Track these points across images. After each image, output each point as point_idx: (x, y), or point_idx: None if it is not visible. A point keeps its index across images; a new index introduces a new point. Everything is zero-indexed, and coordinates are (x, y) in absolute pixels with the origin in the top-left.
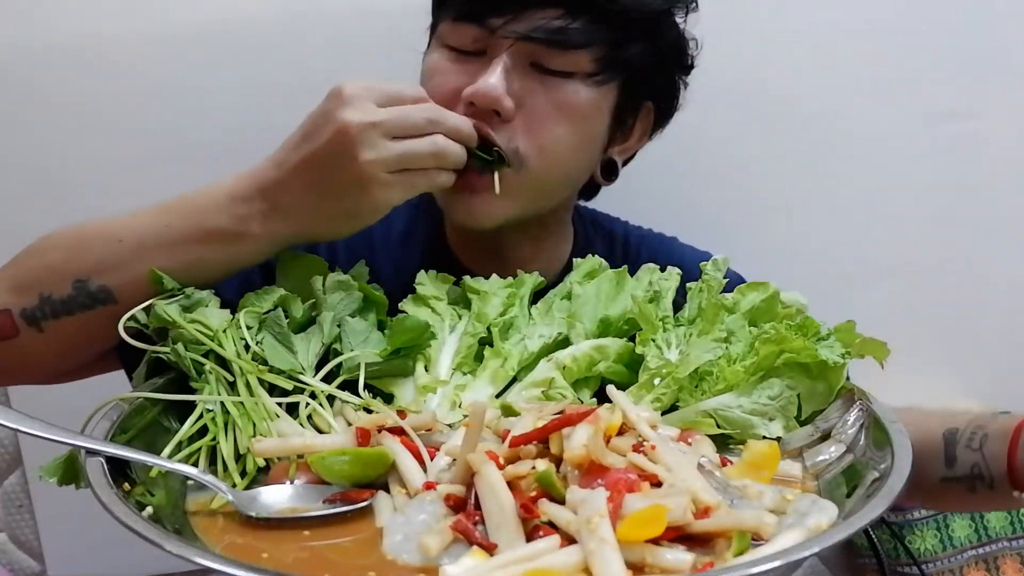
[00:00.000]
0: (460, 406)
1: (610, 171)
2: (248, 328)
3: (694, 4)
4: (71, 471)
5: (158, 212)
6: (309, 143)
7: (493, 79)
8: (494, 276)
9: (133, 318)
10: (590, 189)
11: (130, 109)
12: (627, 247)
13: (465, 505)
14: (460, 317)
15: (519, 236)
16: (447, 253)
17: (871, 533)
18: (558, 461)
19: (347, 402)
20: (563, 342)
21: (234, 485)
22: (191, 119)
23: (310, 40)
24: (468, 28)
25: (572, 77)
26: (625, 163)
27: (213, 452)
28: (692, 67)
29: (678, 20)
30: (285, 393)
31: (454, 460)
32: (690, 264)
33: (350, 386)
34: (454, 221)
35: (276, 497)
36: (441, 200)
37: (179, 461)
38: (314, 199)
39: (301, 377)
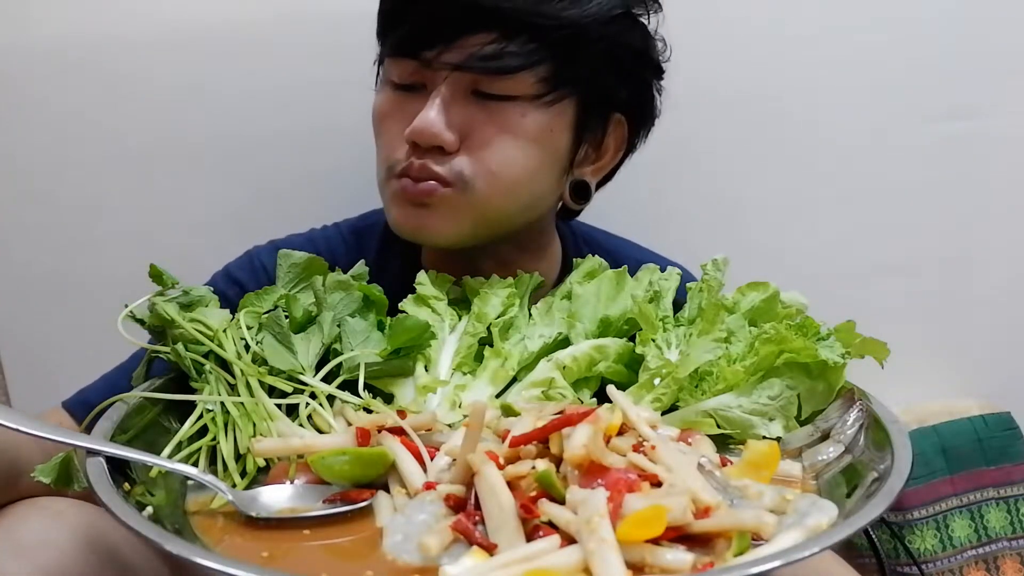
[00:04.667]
0: (460, 406)
1: (582, 193)
2: (248, 328)
3: (655, 3)
4: (66, 473)
5: None
6: None
7: (432, 114)
8: (494, 276)
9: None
10: (567, 210)
11: (124, 111)
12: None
13: (465, 505)
14: (460, 317)
15: (492, 260)
16: None
17: (871, 533)
18: (558, 461)
19: (347, 402)
20: (563, 342)
21: (234, 485)
22: (186, 121)
23: (307, 43)
24: (405, 62)
25: (517, 100)
26: (604, 182)
27: (213, 452)
28: (663, 70)
29: (641, 20)
30: (285, 393)
31: (454, 460)
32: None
33: (350, 386)
34: (402, 235)
35: (276, 497)
36: (390, 215)
37: (179, 461)
38: None
39: (301, 377)
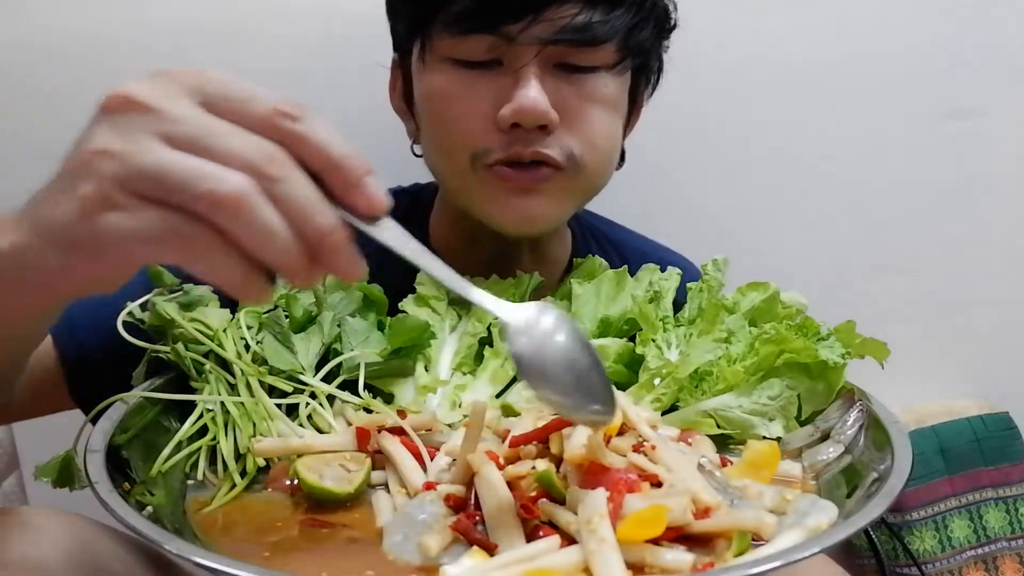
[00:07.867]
0: (460, 406)
1: (622, 156)
2: (248, 328)
3: None
4: (66, 473)
5: None
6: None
7: (534, 92)
8: (493, 276)
9: (131, 314)
10: None
11: None
12: (624, 260)
13: (465, 505)
14: (460, 317)
15: (529, 247)
16: None
17: (871, 533)
18: (558, 461)
19: (347, 402)
20: None
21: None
22: None
23: (305, 41)
24: (479, 38)
25: (597, 71)
26: None
27: (213, 452)
28: (675, 27)
29: None
30: (285, 393)
31: (454, 460)
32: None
33: (350, 386)
34: (503, 227)
35: None
36: (486, 205)
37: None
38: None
39: (301, 377)
